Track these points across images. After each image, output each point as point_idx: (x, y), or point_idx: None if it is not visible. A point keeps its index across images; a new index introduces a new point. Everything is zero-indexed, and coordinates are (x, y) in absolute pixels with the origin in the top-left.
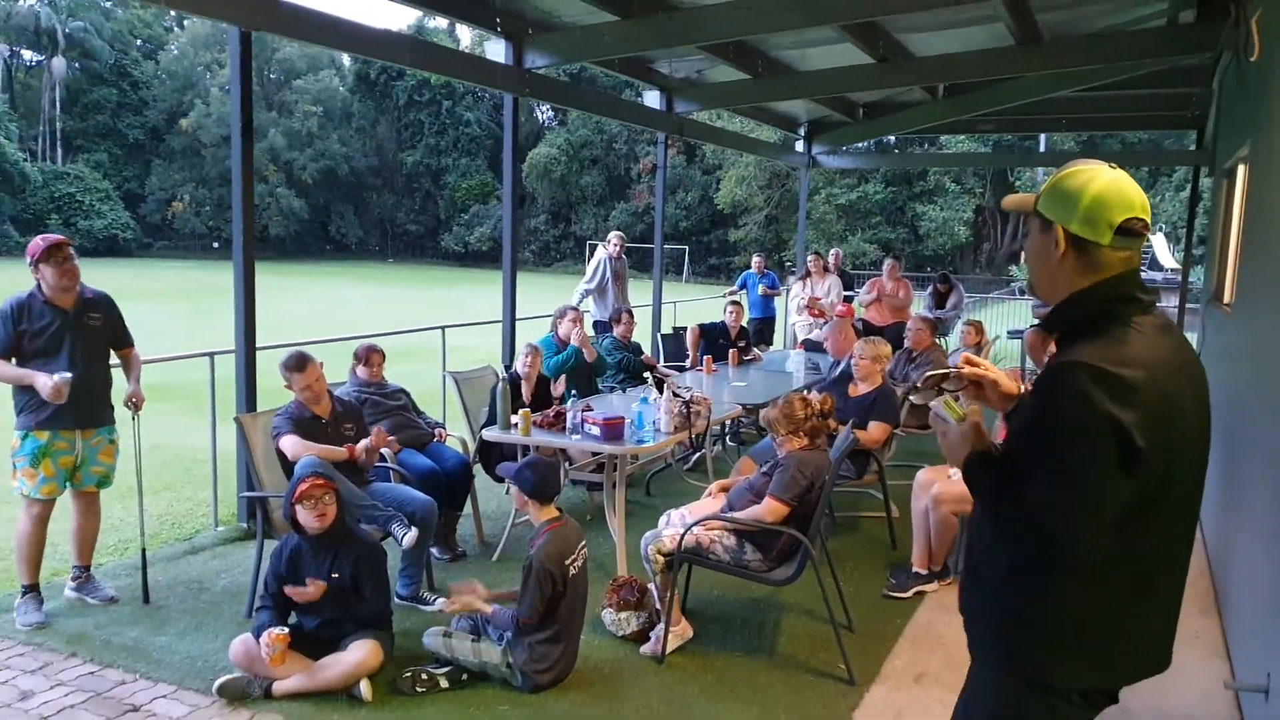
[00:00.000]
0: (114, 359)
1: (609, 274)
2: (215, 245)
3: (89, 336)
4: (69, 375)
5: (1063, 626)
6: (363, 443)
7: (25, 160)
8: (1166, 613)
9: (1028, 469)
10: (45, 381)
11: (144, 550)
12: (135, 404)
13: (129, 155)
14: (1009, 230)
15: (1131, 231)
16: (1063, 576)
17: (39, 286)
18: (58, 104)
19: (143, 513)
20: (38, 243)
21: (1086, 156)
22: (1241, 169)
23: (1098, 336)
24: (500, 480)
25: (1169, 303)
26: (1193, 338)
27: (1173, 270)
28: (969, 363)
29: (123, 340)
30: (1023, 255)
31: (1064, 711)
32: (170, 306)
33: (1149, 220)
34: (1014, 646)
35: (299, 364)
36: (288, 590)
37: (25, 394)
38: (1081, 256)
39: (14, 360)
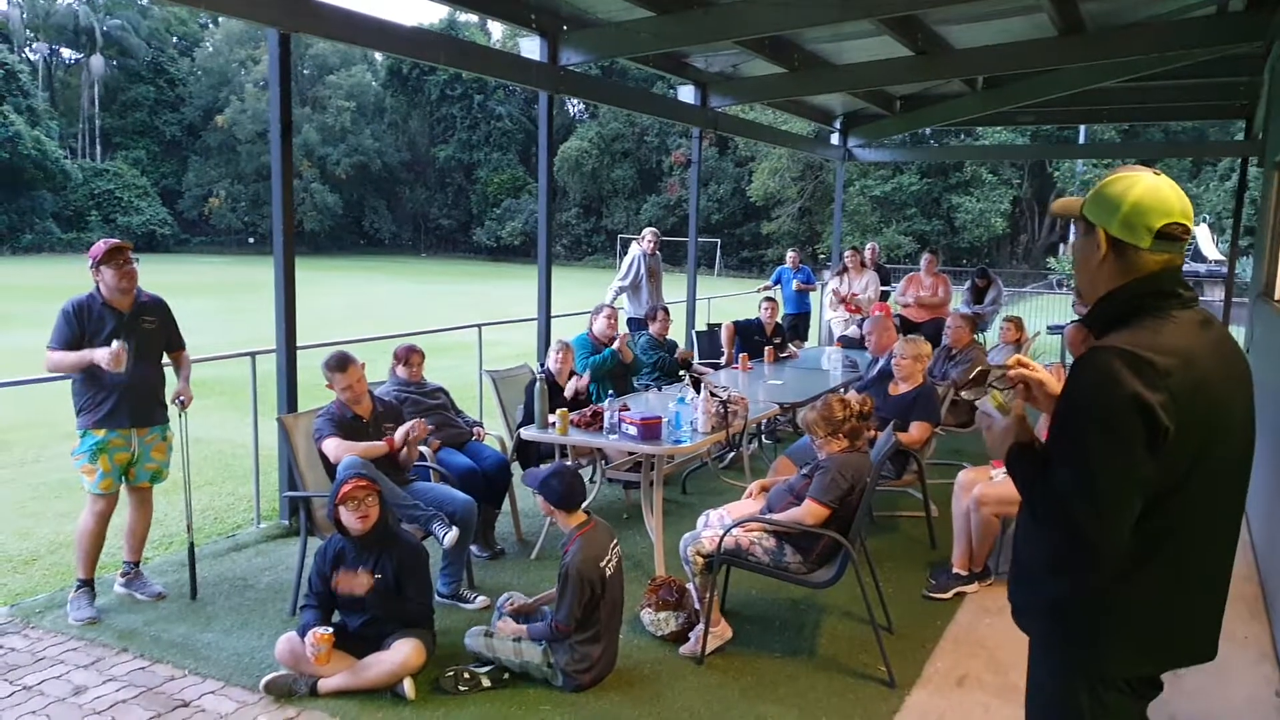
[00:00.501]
0: (165, 359)
1: (643, 271)
2: (251, 240)
3: (144, 338)
4: (124, 342)
5: (1103, 615)
6: (401, 429)
7: (66, 157)
8: (1208, 601)
9: (1058, 454)
10: (103, 354)
11: (192, 546)
12: (183, 402)
13: (166, 152)
14: (1046, 222)
15: (1170, 236)
16: (1097, 565)
17: (98, 288)
18: (96, 101)
19: (190, 510)
20: (99, 245)
21: (1128, 146)
22: None
23: (1132, 327)
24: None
25: (1213, 296)
26: (1239, 333)
27: (1217, 262)
28: (1019, 364)
29: (175, 343)
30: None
31: (1112, 700)
32: (206, 302)
33: (1190, 225)
34: (1058, 637)
35: (341, 364)
36: (337, 579)
37: (85, 393)
38: (1120, 259)
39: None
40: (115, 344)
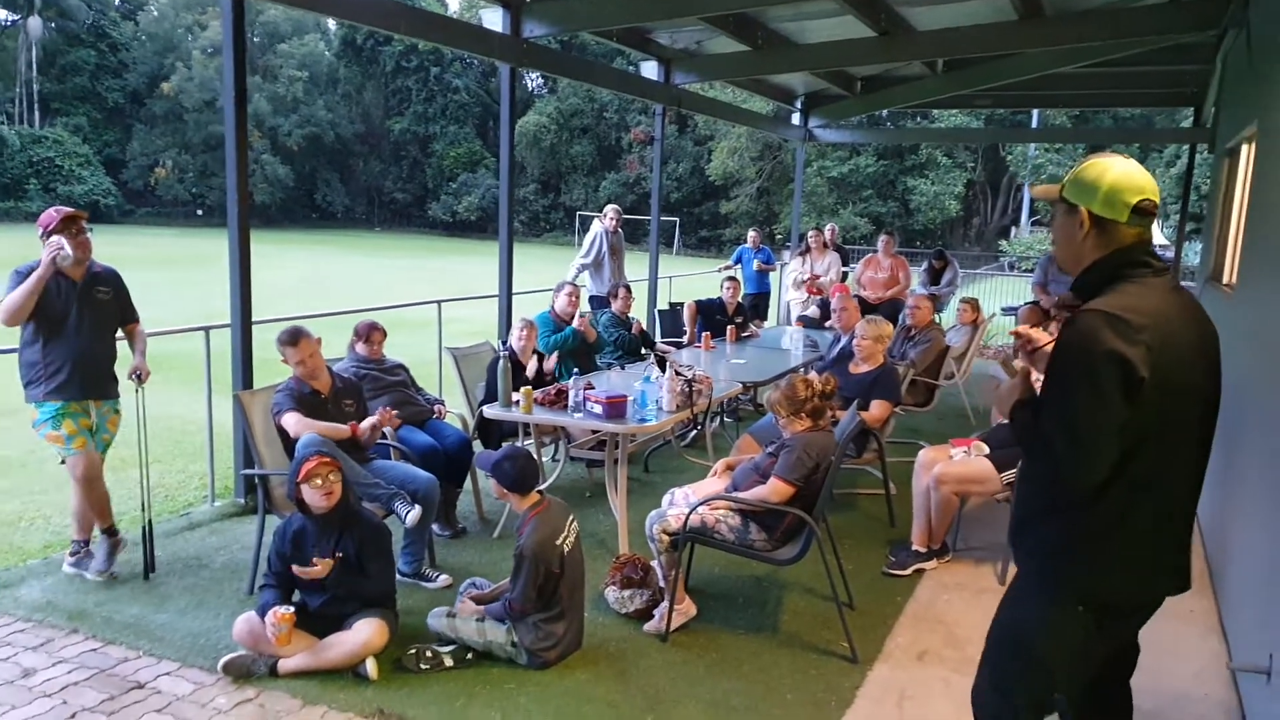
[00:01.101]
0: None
1: (605, 248)
2: (199, 212)
3: (97, 309)
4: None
5: (1095, 550)
6: (368, 421)
7: (2, 123)
8: (1181, 537)
9: (1047, 402)
10: (48, 254)
11: (150, 525)
12: (140, 377)
13: (109, 119)
14: (999, 205)
15: (1143, 211)
16: (1086, 506)
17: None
18: (34, 65)
19: (148, 488)
20: (52, 214)
21: (1079, 131)
22: (1246, 148)
23: (1111, 292)
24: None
25: None
26: None
27: (1161, 246)
28: (1018, 334)
29: (130, 315)
30: (1028, 239)
31: (1106, 625)
32: (155, 275)
33: (1157, 201)
34: (1056, 571)
35: (293, 339)
36: (295, 570)
37: (37, 364)
38: (1102, 233)
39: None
40: (56, 239)
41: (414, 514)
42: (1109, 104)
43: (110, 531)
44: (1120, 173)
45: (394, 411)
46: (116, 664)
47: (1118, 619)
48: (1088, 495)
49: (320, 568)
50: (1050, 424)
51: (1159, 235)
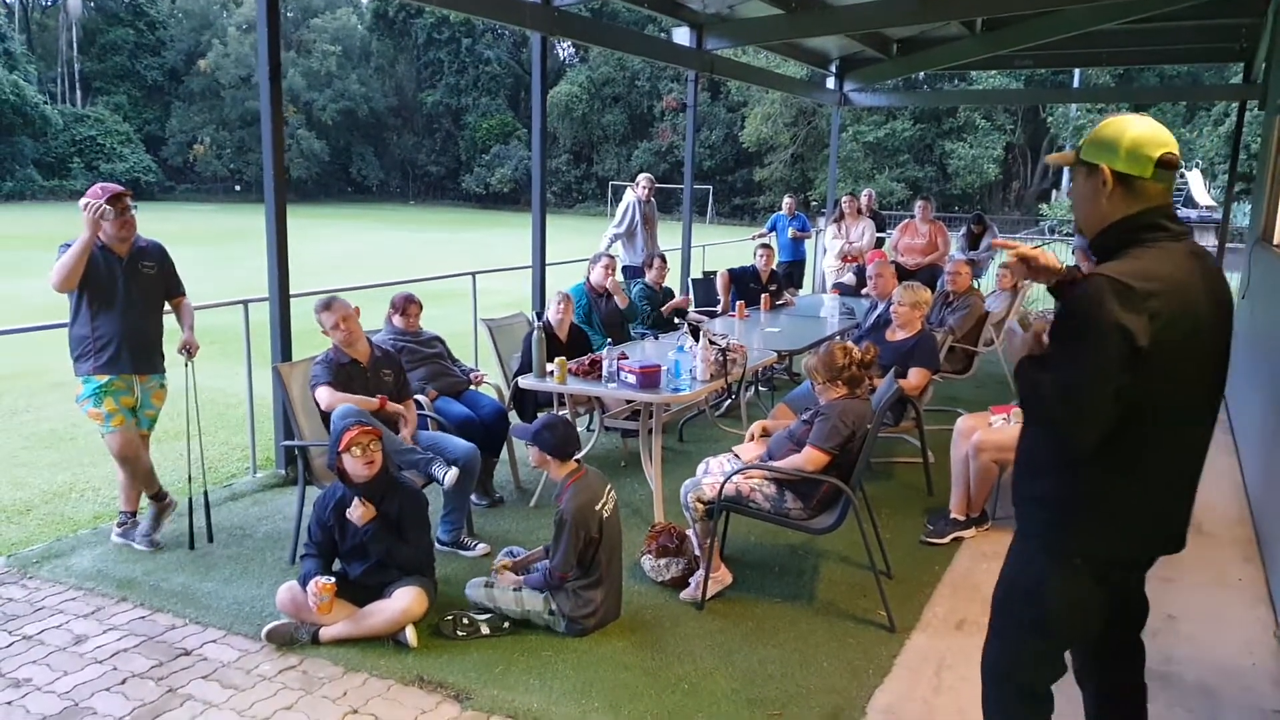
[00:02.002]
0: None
1: (638, 218)
2: (237, 188)
3: (144, 284)
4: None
5: (1086, 505)
6: (401, 425)
7: (45, 103)
8: (1179, 500)
9: (1049, 362)
10: (89, 215)
11: (206, 495)
12: (190, 351)
13: (148, 97)
14: (1039, 168)
15: (1168, 164)
16: (1084, 462)
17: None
18: (75, 45)
19: (194, 459)
20: (97, 191)
21: (1123, 90)
22: None
23: (1123, 257)
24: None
25: (1205, 242)
26: (1235, 278)
27: (1208, 207)
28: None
29: (175, 289)
30: (1069, 202)
31: (1105, 580)
32: (195, 251)
33: (1179, 154)
34: (1054, 528)
35: (327, 304)
36: (348, 513)
37: (85, 339)
38: (1127, 190)
39: (76, 294)
40: (93, 203)
41: (451, 474)
42: (1154, 61)
43: (158, 496)
44: (1141, 128)
45: (418, 391)
46: (164, 631)
47: (1116, 573)
48: (1087, 454)
49: (365, 509)
50: (1051, 384)
51: (1206, 196)
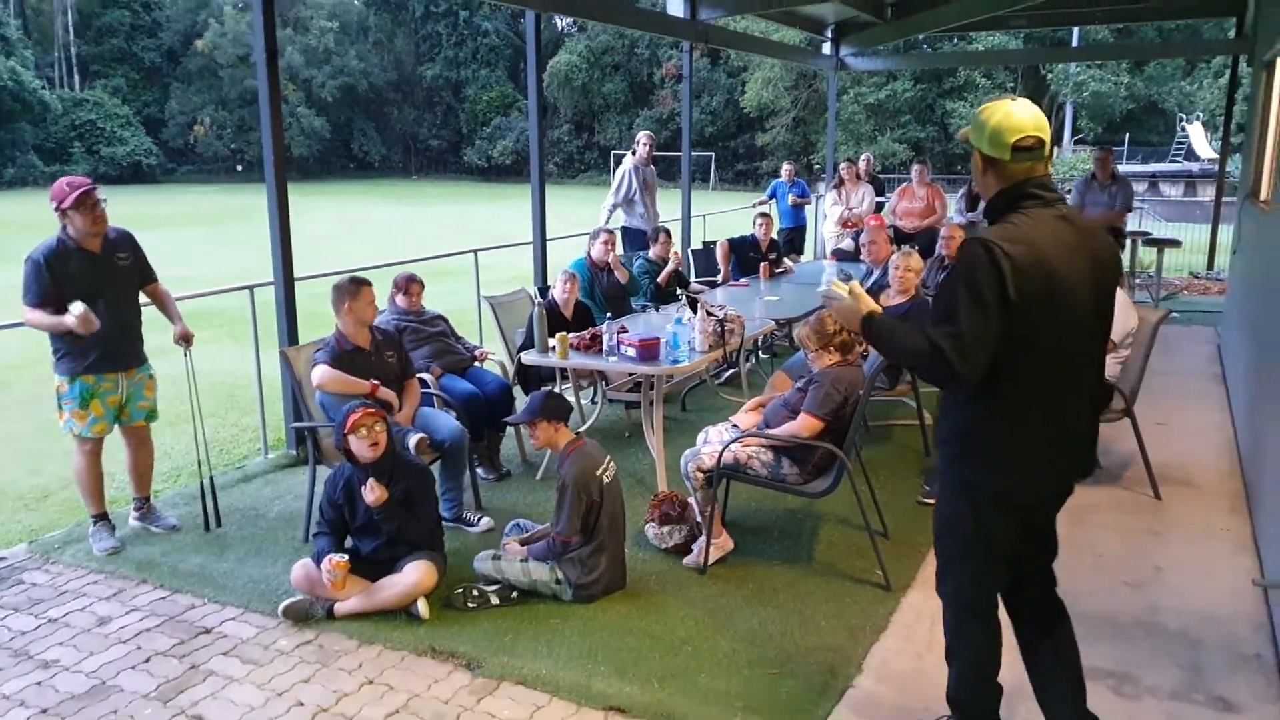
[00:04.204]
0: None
1: (636, 184)
2: (239, 168)
3: (120, 277)
4: (81, 305)
5: (978, 442)
6: (387, 393)
7: (44, 88)
8: (1063, 444)
9: (937, 314)
10: (70, 319)
11: (211, 479)
12: (186, 340)
13: (146, 79)
14: None
15: (1025, 148)
16: (974, 404)
17: (65, 229)
18: (71, 28)
19: (202, 444)
20: (63, 188)
21: (1121, 46)
22: None
23: (1002, 223)
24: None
25: (1205, 195)
26: (1228, 230)
27: (1210, 160)
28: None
29: (149, 276)
30: (1107, 171)
31: (1005, 511)
32: (198, 232)
33: (1043, 136)
34: (955, 465)
35: (353, 285)
36: (364, 491)
37: (65, 339)
38: (994, 170)
39: (52, 309)
40: (78, 306)
41: (415, 439)
42: (1150, 17)
43: (103, 517)
44: (1002, 115)
45: (427, 439)
46: (184, 610)
47: (1014, 505)
48: (973, 399)
49: (378, 492)
50: (940, 330)
51: (1208, 149)
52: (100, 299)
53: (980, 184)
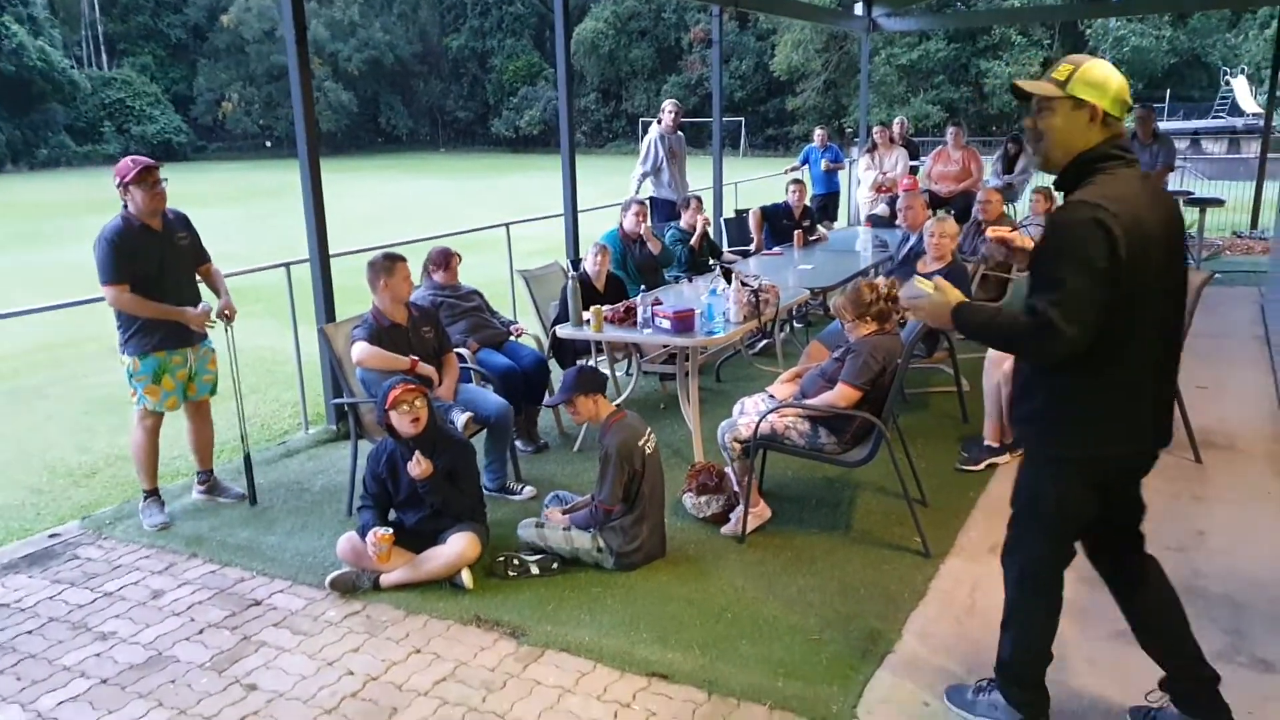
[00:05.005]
0: None
1: (663, 153)
2: (268, 144)
3: (181, 256)
4: (205, 305)
5: (1069, 414)
6: (427, 368)
7: (72, 67)
8: (1153, 410)
9: (1038, 282)
10: (195, 313)
11: (248, 455)
12: (229, 315)
13: (173, 56)
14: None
15: (1129, 109)
16: (1064, 376)
17: (126, 208)
18: (96, 6)
19: (244, 419)
20: (128, 164)
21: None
22: None
23: (1089, 185)
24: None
25: (1249, 151)
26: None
27: (1254, 115)
28: (996, 234)
29: (203, 256)
30: (1148, 130)
31: (1096, 478)
32: (232, 211)
33: None
34: (1037, 438)
35: (387, 263)
36: (412, 461)
37: (133, 322)
38: (1105, 127)
39: (128, 287)
40: (202, 308)
41: (462, 418)
42: None
43: (154, 493)
44: (1119, 76)
45: (463, 347)
46: (234, 584)
47: (1103, 478)
48: (1063, 371)
49: (424, 465)
50: (1042, 299)
51: (1252, 104)
52: (164, 279)
53: (1069, 141)
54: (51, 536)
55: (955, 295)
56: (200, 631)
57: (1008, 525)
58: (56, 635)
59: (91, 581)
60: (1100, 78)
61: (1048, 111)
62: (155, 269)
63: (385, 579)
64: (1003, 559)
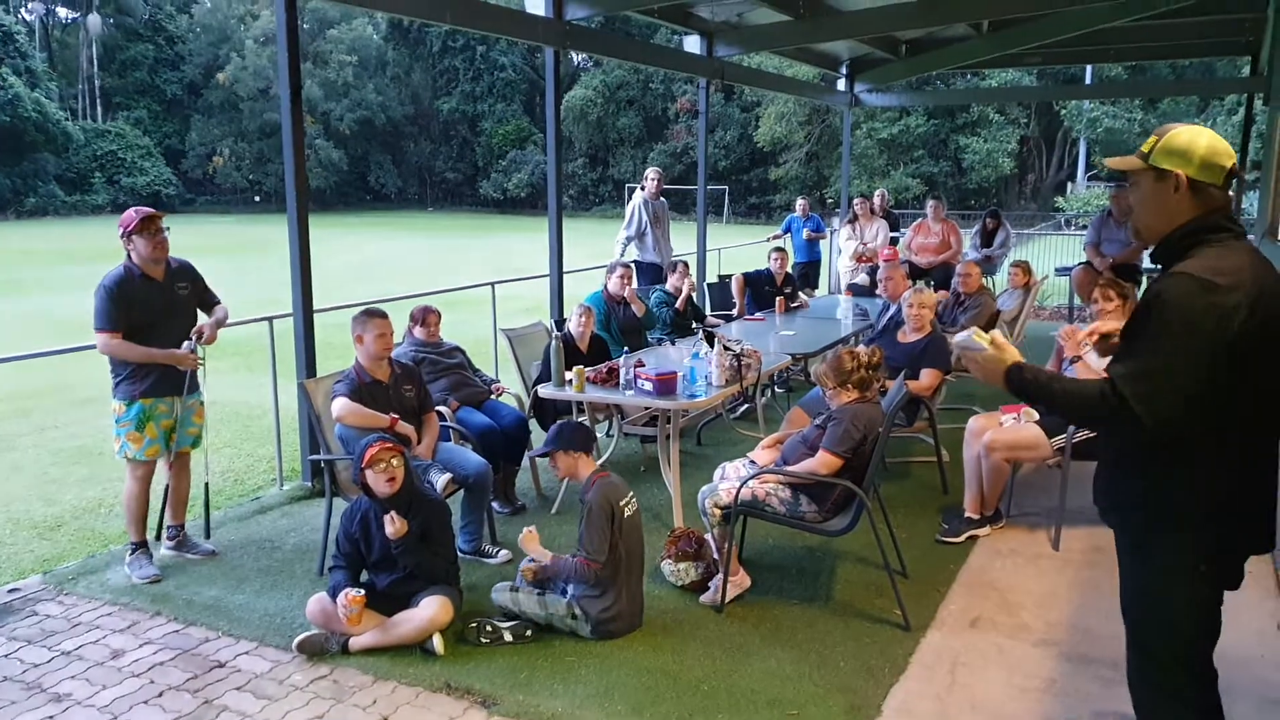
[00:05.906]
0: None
1: (646, 219)
2: (257, 199)
3: (179, 305)
4: (188, 344)
5: (1189, 503)
6: (405, 426)
7: (66, 119)
8: (1263, 496)
9: (1129, 351)
10: (181, 352)
11: (206, 486)
12: (201, 334)
13: (168, 111)
14: (1054, 160)
15: (1233, 173)
16: (1179, 459)
17: (129, 257)
18: (95, 61)
19: (205, 458)
20: (131, 215)
21: (1136, 84)
22: None
23: (1195, 256)
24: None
25: None
26: None
27: None
28: (1070, 335)
29: (210, 301)
30: (1124, 208)
31: (1199, 585)
32: (216, 262)
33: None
34: (1142, 528)
35: (368, 315)
36: (387, 519)
37: (126, 364)
38: (1197, 195)
39: (122, 336)
40: (185, 347)
41: (442, 479)
42: (1163, 56)
43: (143, 545)
44: (1210, 139)
45: (449, 403)
46: (198, 644)
47: (1226, 568)
48: (1174, 449)
49: (399, 524)
50: (1123, 373)
51: None
52: (159, 326)
53: (1162, 216)
54: (11, 591)
55: (1013, 354)
56: (160, 694)
57: (1127, 637)
58: (8, 695)
59: (49, 640)
60: (1183, 145)
61: (1134, 185)
62: (152, 318)
63: (355, 642)
64: (1130, 678)
